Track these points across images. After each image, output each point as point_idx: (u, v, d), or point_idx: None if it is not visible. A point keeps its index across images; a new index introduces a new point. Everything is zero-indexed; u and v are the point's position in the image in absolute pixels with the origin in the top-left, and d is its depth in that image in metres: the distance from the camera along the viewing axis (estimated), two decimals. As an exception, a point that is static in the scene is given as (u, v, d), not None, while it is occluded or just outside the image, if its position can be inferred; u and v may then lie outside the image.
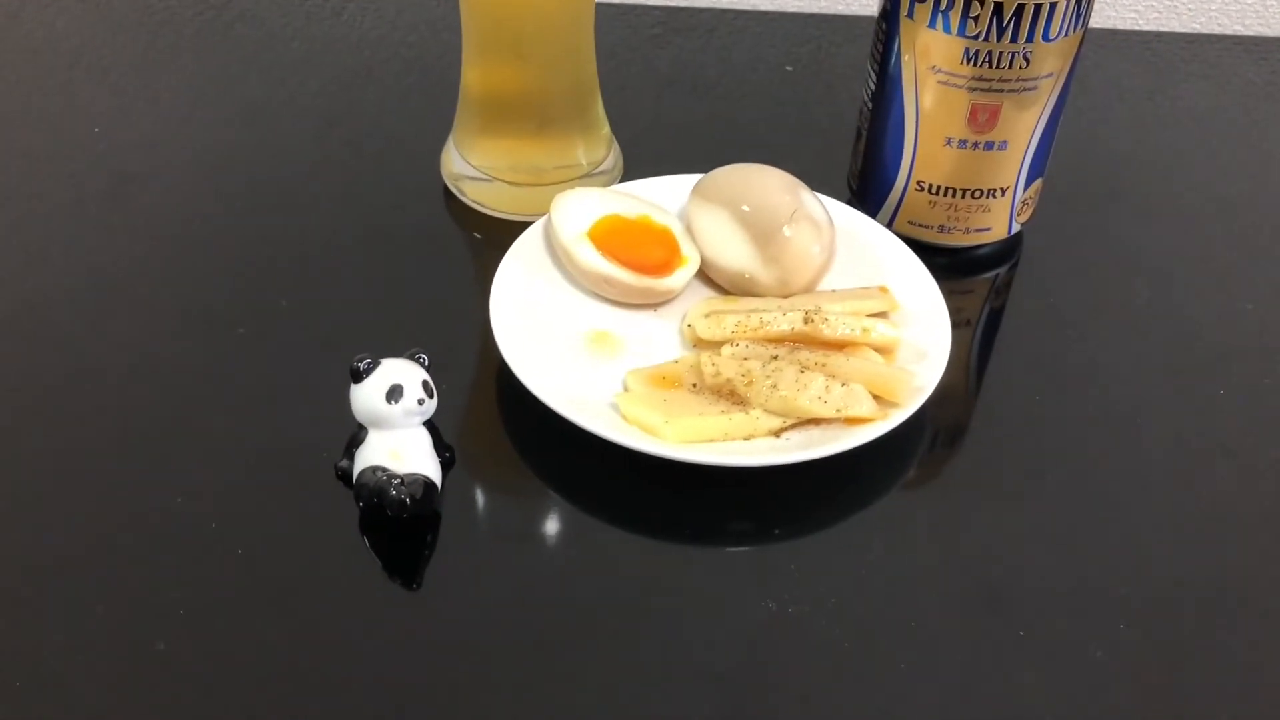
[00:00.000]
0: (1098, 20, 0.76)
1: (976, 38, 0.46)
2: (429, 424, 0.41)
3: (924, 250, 0.51)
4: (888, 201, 0.53)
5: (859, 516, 0.43)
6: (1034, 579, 0.40)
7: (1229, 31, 0.77)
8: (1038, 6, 0.45)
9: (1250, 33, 0.77)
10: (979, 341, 0.52)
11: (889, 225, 0.52)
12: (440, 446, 0.41)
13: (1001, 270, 0.55)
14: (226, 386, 0.46)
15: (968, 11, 0.46)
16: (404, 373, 0.40)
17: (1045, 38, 0.46)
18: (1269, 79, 0.71)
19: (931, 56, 0.48)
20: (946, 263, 0.53)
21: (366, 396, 0.40)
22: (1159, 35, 0.76)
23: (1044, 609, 0.39)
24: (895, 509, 0.43)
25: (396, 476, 0.38)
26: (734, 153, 0.53)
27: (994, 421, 0.47)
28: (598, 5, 0.53)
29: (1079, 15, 0.47)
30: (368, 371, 0.40)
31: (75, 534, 0.40)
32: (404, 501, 0.37)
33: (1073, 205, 0.58)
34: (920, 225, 0.52)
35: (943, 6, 0.46)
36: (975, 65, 0.47)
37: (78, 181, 0.57)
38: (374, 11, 0.72)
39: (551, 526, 0.42)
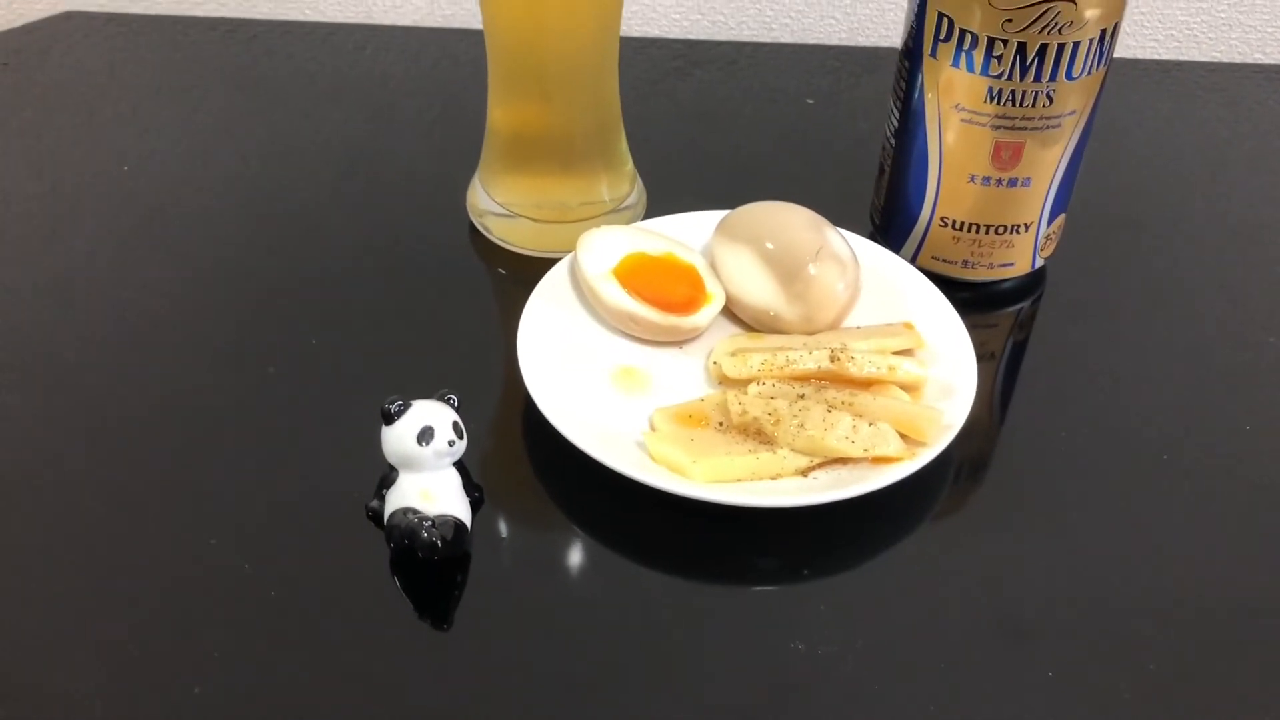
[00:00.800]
0: (1118, 51, 0.76)
1: (1000, 76, 0.47)
2: (459, 464, 0.41)
3: (948, 285, 0.51)
4: (911, 236, 0.53)
5: (887, 555, 0.43)
6: (1063, 616, 0.40)
7: (1249, 60, 0.77)
8: (1060, 46, 0.46)
9: (1270, 60, 0.77)
10: (1003, 376, 0.52)
11: (913, 260, 0.53)
12: (470, 486, 0.42)
13: (1025, 304, 0.55)
14: (257, 426, 0.47)
15: (991, 51, 0.46)
16: (434, 415, 0.40)
17: (1069, 76, 0.47)
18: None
19: (955, 94, 0.48)
20: (970, 297, 0.53)
21: (398, 439, 0.40)
22: (1179, 64, 0.76)
23: (1073, 648, 0.39)
24: (923, 547, 0.43)
25: (427, 518, 0.38)
26: (755, 186, 0.54)
27: (1020, 456, 0.47)
28: (620, 39, 0.54)
29: (1102, 54, 0.47)
30: (399, 414, 0.40)
31: (109, 577, 0.41)
32: (435, 544, 0.38)
33: (1096, 237, 0.58)
34: (944, 260, 0.53)
35: (966, 46, 0.47)
36: (999, 104, 0.47)
37: (107, 220, 0.58)
38: (397, 48, 0.73)
39: (579, 565, 0.42)
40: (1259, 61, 0.77)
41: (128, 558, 0.41)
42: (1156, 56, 0.77)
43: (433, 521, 0.38)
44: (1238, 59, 0.77)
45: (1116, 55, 0.76)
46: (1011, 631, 0.40)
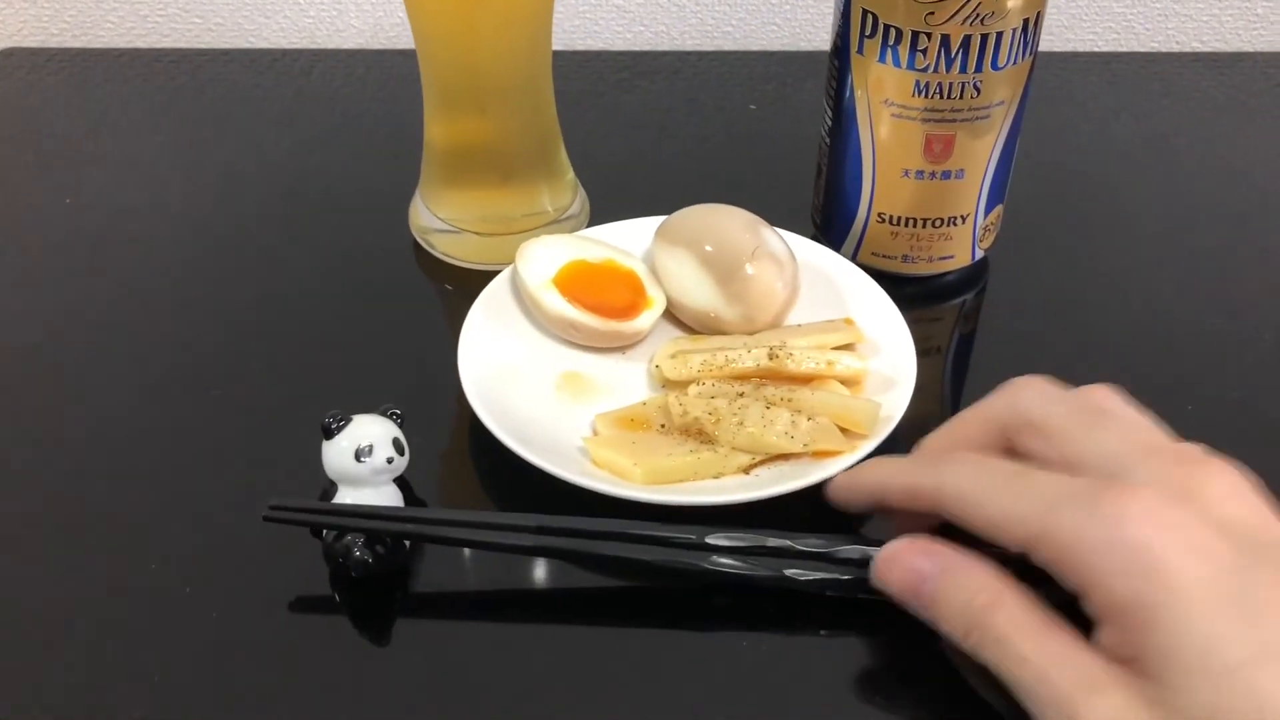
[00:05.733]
0: (1057, 44, 0.77)
1: (926, 70, 0.47)
2: (400, 480, 0.41)
3: (891, 280, 0.52)
4: (851, 234, 0.53)
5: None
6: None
7: (1187, 49, 0.78)
8: (984, 37, 0.46)
9: (1207, 48, 0.78)
10: (951, 367, 0.52)
11: (853, 258, 0.53)
12: (412, 501, 0.41)
13: (969, 295, 0.55)
14: (199, 448, 0.46)
15: (916, 45, 0.47)
16: (374, 430, 0.40)
17: (994, 67, 0.47)
18: (1229, 94, 0.72)
19: (884, 90, 0.48)
20: (915, 291, 0.53)
21: (337, 454, 0.40)
22: (1118, 55, 0.77)
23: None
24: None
25: (361, 536, 0.38)
26: (700, 192, 0.54)
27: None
28: (564, 53, 0.54)
29: (1026, 43, 0.48)
30: (338, 429, 0.40)
31: (46, 603, 0.40)
32: (366, 562, 0.37)
33: (1039, 227, 0.59)
34: (884, 256, 0.53)
35: (891, 41, 0.47)
36: (927, 97, 0.48)
37: (49, 252, 0.58)
38: (344, 70, 0.73)
39: (525, 576, 0.42)
40: (1196, 50, 0.78)
41: (66, 583, 0.41)
42: (1095, 49, 0.78)
43: (366, 539, 0.38)
44: (1176, 48, 0.78)
45: (1057, 49, 0.77)
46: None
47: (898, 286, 0.51)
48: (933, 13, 0.46)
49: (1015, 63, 0.48)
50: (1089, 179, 0.64)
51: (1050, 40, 0.77)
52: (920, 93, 0.48)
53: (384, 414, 0.41)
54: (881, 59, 0.48)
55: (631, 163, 0.65)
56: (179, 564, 0.41)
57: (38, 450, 0.46)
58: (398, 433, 0.41)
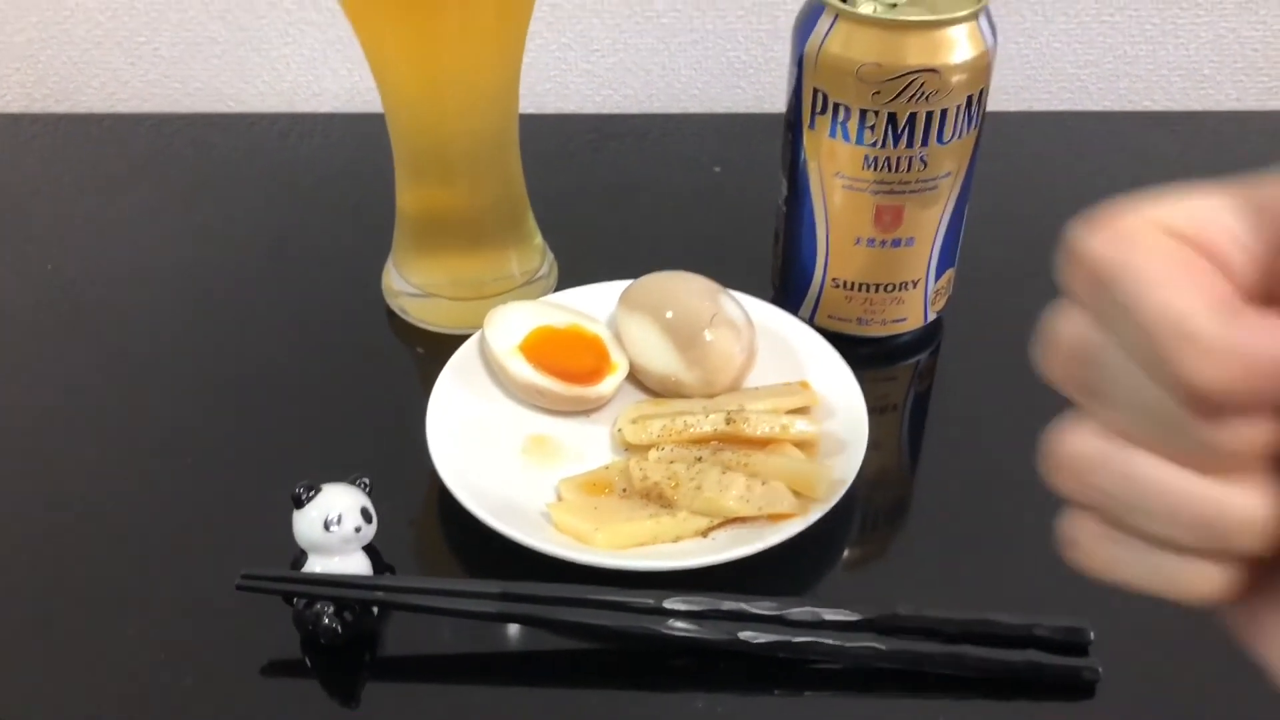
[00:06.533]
0: (1013, 103, 0.80)
1: (875, 145, 0.49)
2: (370, 546, 0.43)
3: (847, 341, 0.54)
4: (807, 297, 0.55)
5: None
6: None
7: (1138, 108, 0.81)
8: (929, 114, 0.48)
9: (1159, 107, 0.80)
10: (907, 426, 0.54)
11: (810, 320, 0.55)
12: (380, 567, 0.43)
13: (924, 356, 0.57)
14: (174, 516, 0.48)
15: (864, 121, 0.49)
16: (343, 499, 0.42)
17: (940, 141, 0.49)
18: (1181, 151, 0.74)
19: (835, 163, 0.51)
20: (870, 352, 0.55)
21: (307, 524, 0.41)
22: (1073, 114, 0.80)
23: (970, 684, 0.41)
24: (831, 594, 0.44)
25: (330, 604, 0.39)
26: (665, 253, 0.56)
27: (924, 503, 0.49)
28: (535, 116, 0.56)
29: (971, 118, 0.50)
30: (308, 499, 0.41)
31: (24, 670, 0.41)
32: (335, 630, 0.39)
33: (993, 287, 0.60)
34: (839, 319, 0.55)
35: (841, 118, 0.49)
36: (876, 170, 0.50)
37: (28, 317, 0.59)
38: (319, 133, 0.75)
39: (490, 640, 0.43)
40: (1147, 109, 0.81)
41: (43, 650, 0.42)
42: (1050, 108, 0.80)
43: (335, 608, 0.39)
44: (1128, 107, 0.81)
45: (1013, 108, 0.79)
46: (915, 675, 0.41)
47: (854, 347, 0.53)
48: (879, 92, 0.48)
49: (960, 136, 0.50)
50: (1043, 236, 0.65)
51: (1006, 100, 0.79)
52: (869, 166, 0.50)
53: (352, 483, 0.43)
54: (832, 134, 0.50)
55: (600, 223, 0.67)
56: (154, 631, 0.43)
57: (17, 517, 0.48)
58: (366, 501, 0.42)
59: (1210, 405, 0.19)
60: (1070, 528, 0.23)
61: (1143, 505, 0.21)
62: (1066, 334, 0.22)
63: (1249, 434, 0.20)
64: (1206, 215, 0.21)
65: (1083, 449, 0.22)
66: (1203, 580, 0.21)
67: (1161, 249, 0.20)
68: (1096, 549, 0.22)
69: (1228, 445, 0.20)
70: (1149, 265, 0.20)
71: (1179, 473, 0.20)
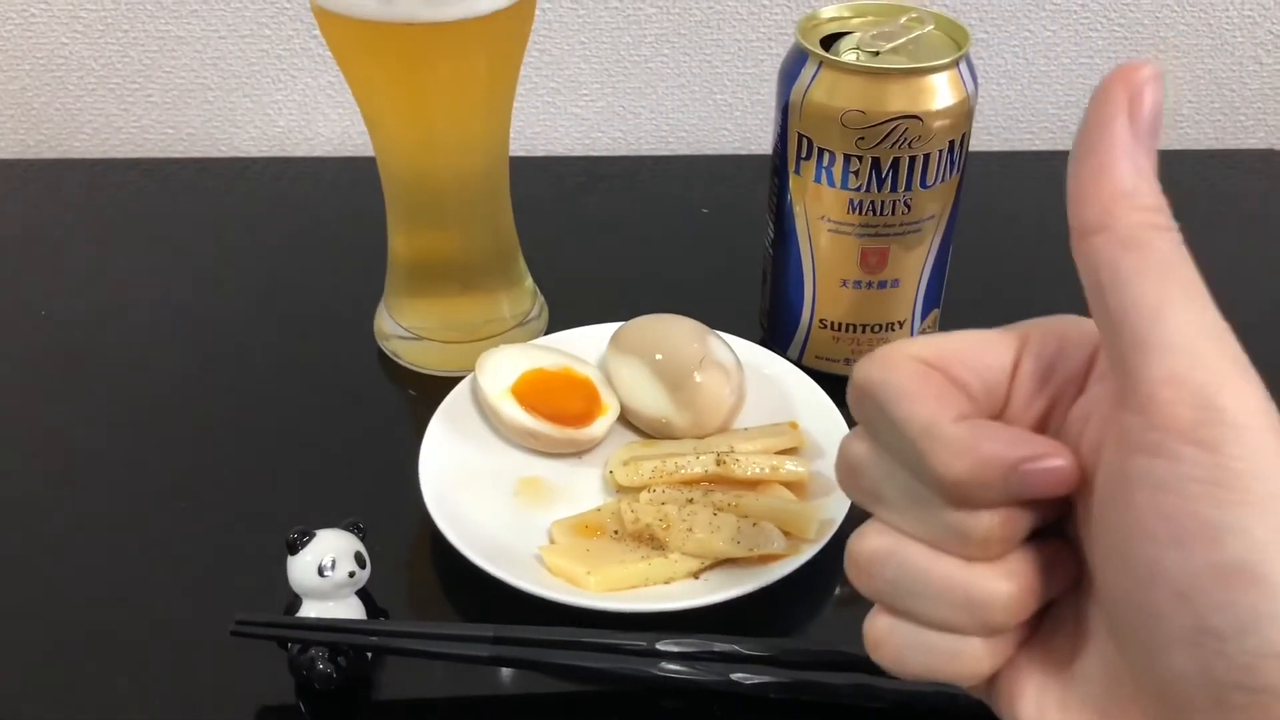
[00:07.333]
0: (995, 144, 0.81)
1: (859, 189, 0.50)
2: (364, 590, 0.43)
3: (835, 382, 0.54)
4: (795, 338, 0.56)
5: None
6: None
7: (1119, 146, 0.82)
8: (912, 159, 0.49)
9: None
10: (894, 464, 0.54)
11: (798, 361, 0.56)
12: (374, 612, 0.43)
13: (911, 394, 0.58)
14: (169, 561, 0.48)
15: (848, 167, 0.50)
16: (337, 545, 0.42)
17: (923, 185, 0.50)
18: (1165, 189, 0.75)
19: (821, 207, 0.51)
20: (858, 391, 0.56)
21: (301, 569, 0.42)
22: (1055, 153, 0.81)
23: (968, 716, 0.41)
24: (823, 634, 0.45)
25: (324, 649, 0.40)
26: (655, 295, 0.56)
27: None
28: (525, 159, 0.57)
29: (953, 163, 0.51)
30: (303, 544, 0.42)
31: (16, 711, 0.42)
32: (330, 675, 0.39)
33: (978, 326, 0.61)
34: (827, 359, 0.56)
35: (825, 163, 0.50)
36: (861, 214, 0.51)
37: (22, 361, 0.60)
38: (312, 176, 0.76)
39: (483, 683, 0.43)
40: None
41: (36, 695, 0.42)
42: (1032, 148, 0.82)
43: (329, 653, 0.40)
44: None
45: (995, 148, 0.80)
46: (908, 714, 0.42)
47: (842, 387, 0.53)
48: (863, 138, 0.49)
49: (943, 180, 0.51)
50: (1028, 273, 0.67)
51: (989, 140, 0.81)
52: (854, 210, 0.51)
53: (346, 527, 0.43)
54: (817, 179, 0.51)
55: (590, 264, 0.68)
56: (149, 676, 0.43)
57: (8, 560, 0.48)
58: (359, 546, 0.43)
59: (958, 495, 0.24)
60: (870, 628, 0.27)
61: (917, 590, 0.25)
62: (851, 451, 0.27)
63: (992, 521, 0.24)
64: (951, 348, 0.27)
65: (871, 546, 0.26)
66: (973, 657, 0.25)
67: (910, 371, 0.25)
68: (889, 641, 0.27)
69: (976, 532, 0.24)
70: (900, 382, 0.25)
71: (945, 559, 0.25)
